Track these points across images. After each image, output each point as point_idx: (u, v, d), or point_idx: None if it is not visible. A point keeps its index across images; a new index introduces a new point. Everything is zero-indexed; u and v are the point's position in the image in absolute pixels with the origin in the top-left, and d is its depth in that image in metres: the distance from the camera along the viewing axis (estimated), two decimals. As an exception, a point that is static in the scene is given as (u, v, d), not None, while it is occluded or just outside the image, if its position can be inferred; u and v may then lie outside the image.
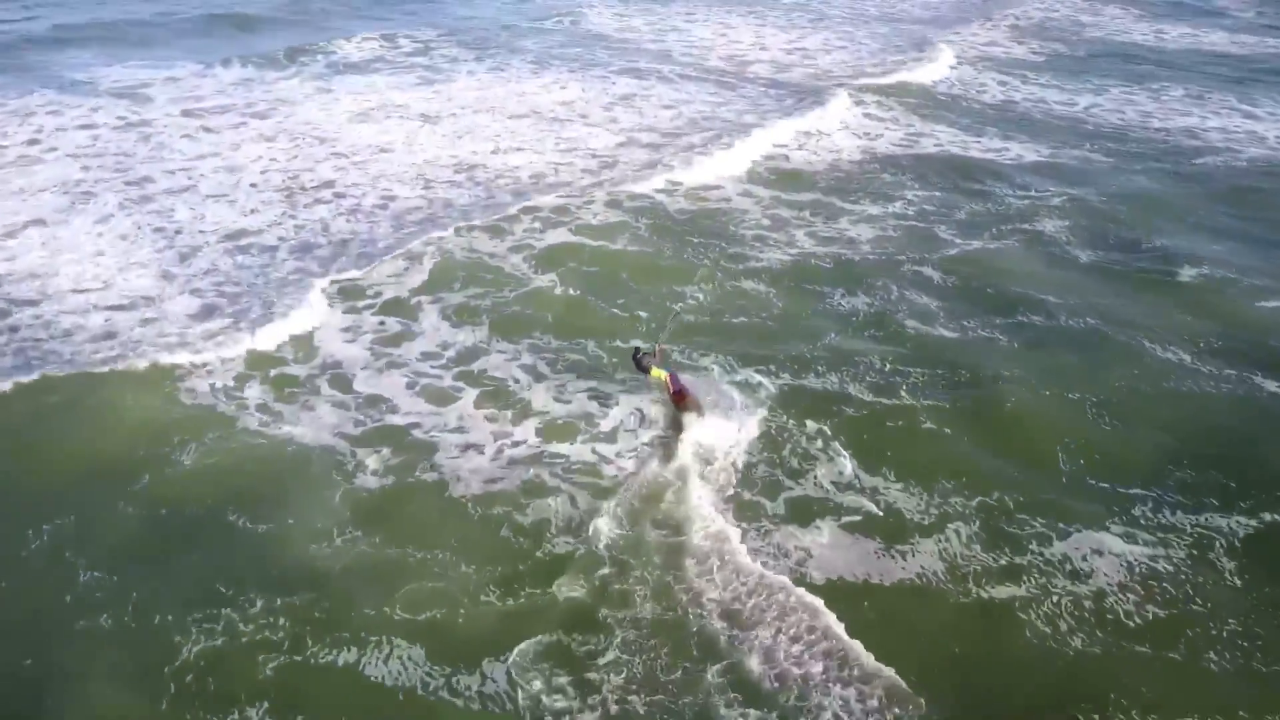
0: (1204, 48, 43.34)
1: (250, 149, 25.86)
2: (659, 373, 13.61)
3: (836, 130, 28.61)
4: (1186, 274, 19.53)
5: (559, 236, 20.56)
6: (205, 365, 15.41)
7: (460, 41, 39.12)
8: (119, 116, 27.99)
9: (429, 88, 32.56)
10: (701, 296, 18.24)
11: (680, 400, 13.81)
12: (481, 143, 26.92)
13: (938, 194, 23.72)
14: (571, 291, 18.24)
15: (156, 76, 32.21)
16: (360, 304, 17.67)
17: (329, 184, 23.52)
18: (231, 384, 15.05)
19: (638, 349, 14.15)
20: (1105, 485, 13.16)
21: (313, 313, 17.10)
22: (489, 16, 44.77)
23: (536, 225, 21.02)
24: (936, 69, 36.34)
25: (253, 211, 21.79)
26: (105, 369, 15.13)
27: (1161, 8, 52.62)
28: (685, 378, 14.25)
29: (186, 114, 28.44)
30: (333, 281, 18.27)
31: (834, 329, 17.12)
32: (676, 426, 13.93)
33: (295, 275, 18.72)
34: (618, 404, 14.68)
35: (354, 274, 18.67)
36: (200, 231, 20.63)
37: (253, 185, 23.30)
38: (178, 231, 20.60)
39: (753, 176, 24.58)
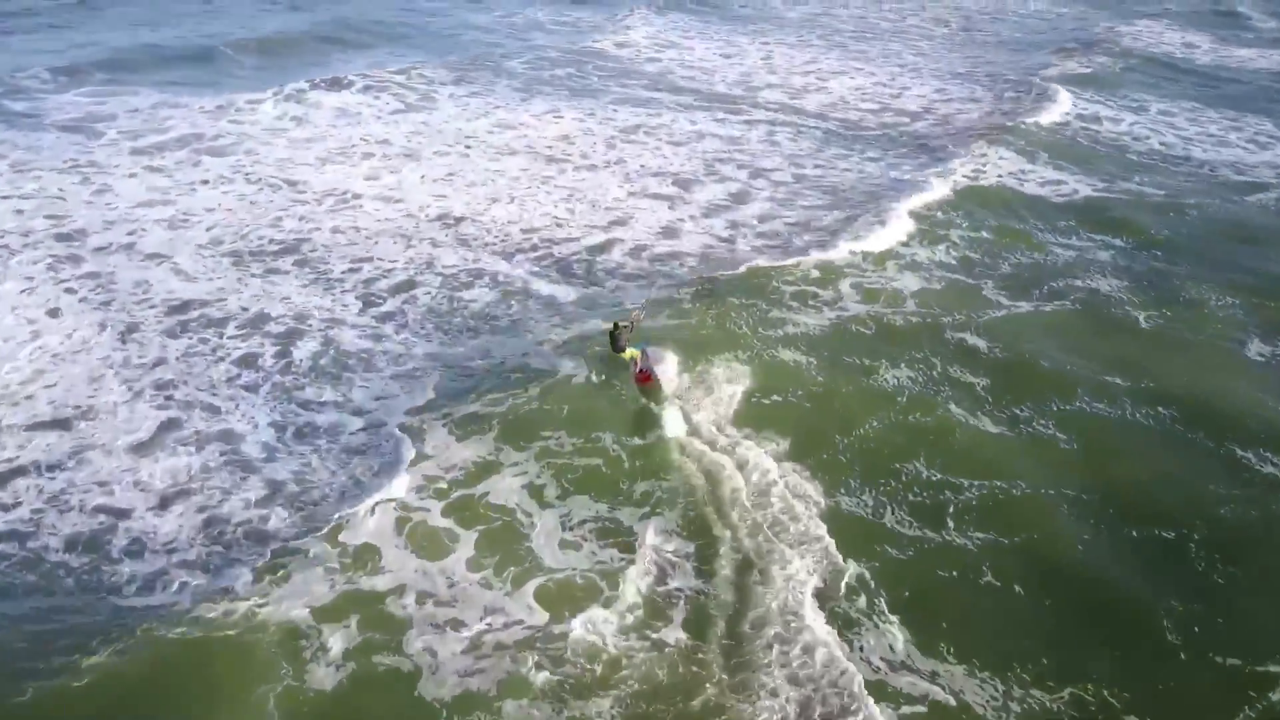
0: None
1: (204, 195, 22.82)
2: (633, 352, 14.27)
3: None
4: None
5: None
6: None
7: (456, 68, 36.10)
8: (66, 159, 24.73)
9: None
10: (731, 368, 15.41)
11: (645, 381, 13.94)
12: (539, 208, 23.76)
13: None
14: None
15: (115, 110, 28.96)
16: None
17: (290, 247, 20.38)
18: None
19: (616, 324, 14.63)
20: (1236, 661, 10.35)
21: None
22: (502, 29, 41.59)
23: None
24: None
25: (205, 278, 18.78)
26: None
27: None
28: (656, 357, 14.49)
29: (137, 153, 25.20)
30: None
31: (874, 416, 14.41)
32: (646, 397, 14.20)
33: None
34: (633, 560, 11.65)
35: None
36: (140, 302, 17.59)
37: (201, 246, 20.22)
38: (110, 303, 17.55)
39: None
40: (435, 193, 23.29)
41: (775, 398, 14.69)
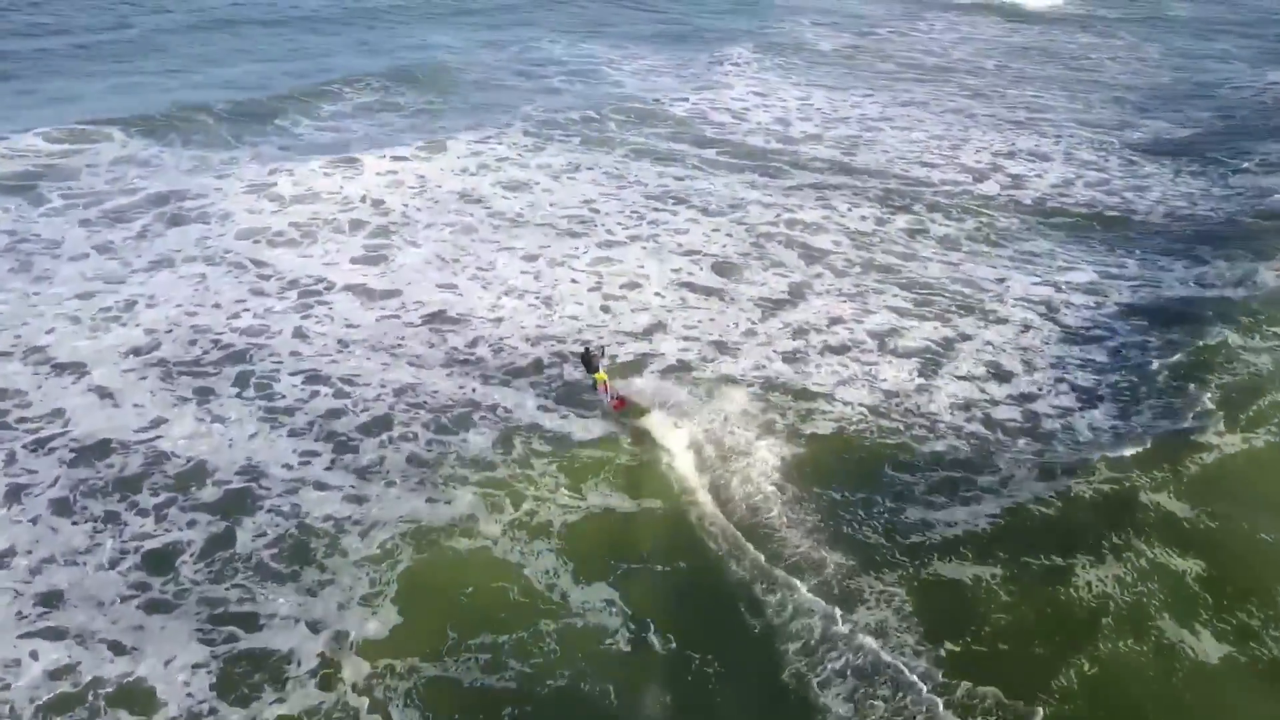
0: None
1: (153, 280, 18.65)
2: (602, 376, 14.37)
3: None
4: None
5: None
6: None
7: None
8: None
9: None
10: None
11: (620, 406, 14.43)
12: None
13: None
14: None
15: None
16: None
17: (236, 354, 16.18)
18: None
19: (587, 347, 14.75)
20: None
21: None
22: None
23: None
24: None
25: (125, 402, 14.63)
26: None
27: None
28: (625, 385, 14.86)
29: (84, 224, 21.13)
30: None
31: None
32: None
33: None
34: None
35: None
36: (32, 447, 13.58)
37: (126, 355, 16.10)
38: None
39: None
40: (431, 279, 19.17)
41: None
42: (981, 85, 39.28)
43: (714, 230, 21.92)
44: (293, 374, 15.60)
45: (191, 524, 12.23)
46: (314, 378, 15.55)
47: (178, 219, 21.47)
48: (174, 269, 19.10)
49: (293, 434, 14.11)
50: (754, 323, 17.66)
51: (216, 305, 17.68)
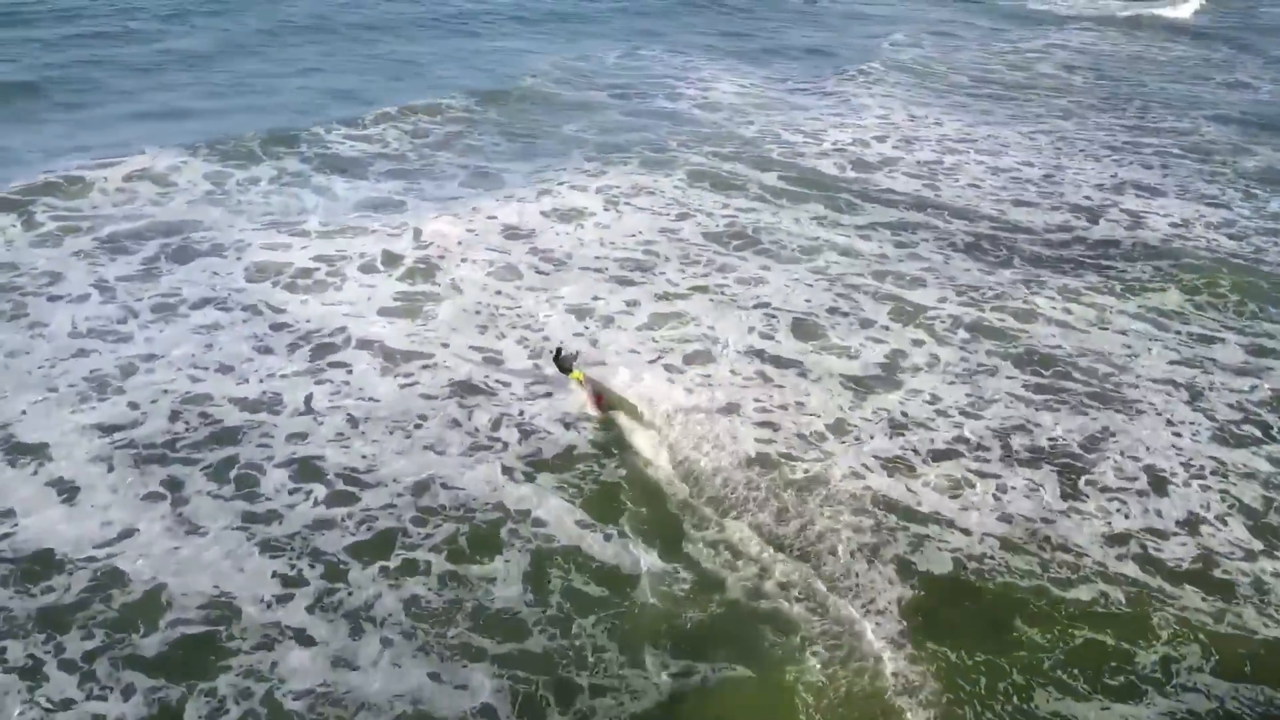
0: None
1: (153, 335, 15.68)
2: (578, 374, 13.64)
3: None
4: None
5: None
6: None
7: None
8: None
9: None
10: None
11: (599, 403, 13.69)
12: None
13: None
14: None
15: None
16: None
17: (222, 435, 13.21)
18: None
19: (560, 348, 13.91)
20: None
21: None
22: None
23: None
24: None
25: (80, 506, 11.58)
26: None
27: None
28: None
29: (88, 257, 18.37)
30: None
31: None
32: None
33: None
34: None
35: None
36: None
37: (95, 434, 13.05)
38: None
39: None
40: (465, 336, 16.02)
41: None
42: (1070, 104, 35.26)
43: (790, 279, 18.32)
44: (286, 464, 12.45)
45: (128, 691, 9.18)
46: (310, 469, 12.39)
47: (189, 253, 18.50)
48: (179, 319, 16.13)
49: (274, 551, 10.95)
50: (844, 409, 14.16)
51: (217, 369, 14.68)
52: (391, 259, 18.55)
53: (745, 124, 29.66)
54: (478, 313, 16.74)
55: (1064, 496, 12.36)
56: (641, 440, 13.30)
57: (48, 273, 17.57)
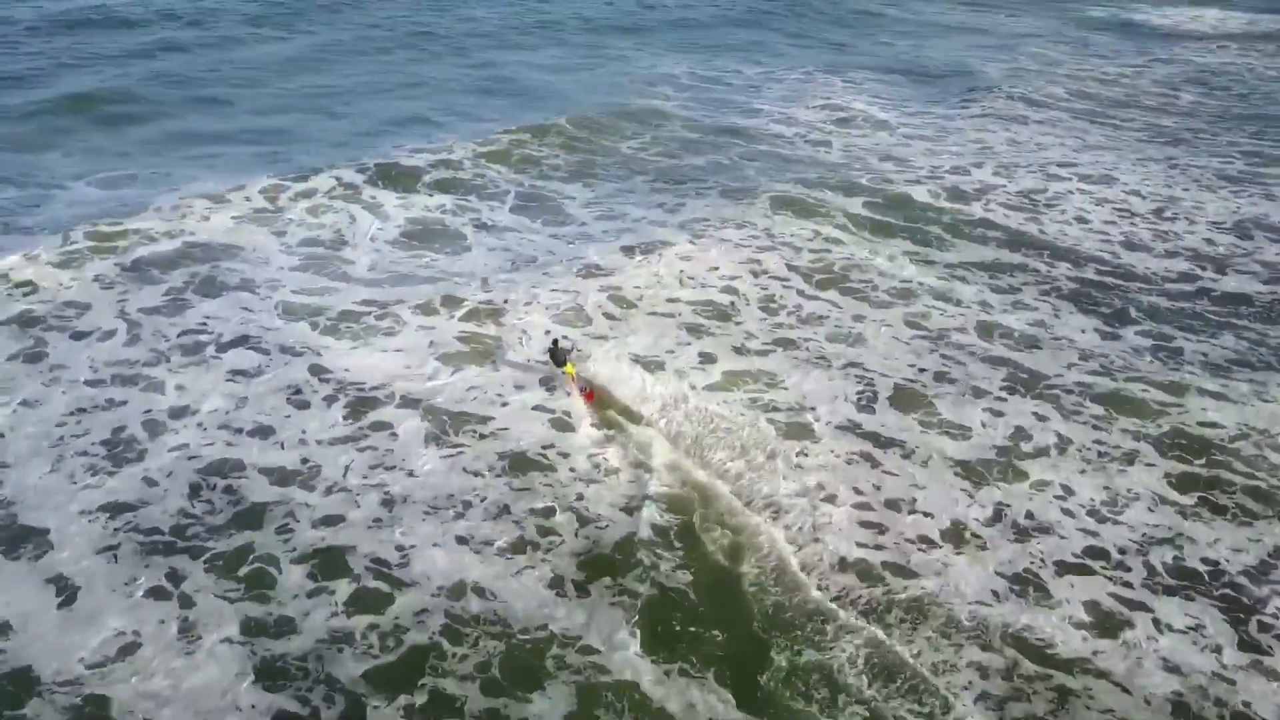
0: None
1: (179, 394, 14.00)
2: (571, 368, 13.44)
3: None
4: None
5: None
6: None
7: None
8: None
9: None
10: None
11: (590, 399, 13.47)
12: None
13: None
14: None
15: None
16: None
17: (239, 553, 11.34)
18: None
19: (556, 341, 13.71)
20: None
21: None
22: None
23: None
24: None
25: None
26: None
27: None
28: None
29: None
30: None
31: None
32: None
33: None
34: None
35: None
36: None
37: (99, 522, 11.33)
38: None
39: None
40: (524, 396, 13.91)
41: None
42: (1178, 124, 31.93)
43: (886, 333, 15.96)
44: (308, 556, 10.58)
45: None
46: (336, 562, 10.52)
47: (221, 285, 16.96)
48: (208, 364, 14.48)
49: (278, 677, 9.06)
50: (959, 506, 11.74)
51: (246, 430, 12.88)
52: (453, 300, 16.71)
53: (830, 145, 27.22)
54: (544, 362, 14.79)
55: (1241, 646, 9.84)
56: (640, 438, 12.97)
57: (73, 304, 16.14)
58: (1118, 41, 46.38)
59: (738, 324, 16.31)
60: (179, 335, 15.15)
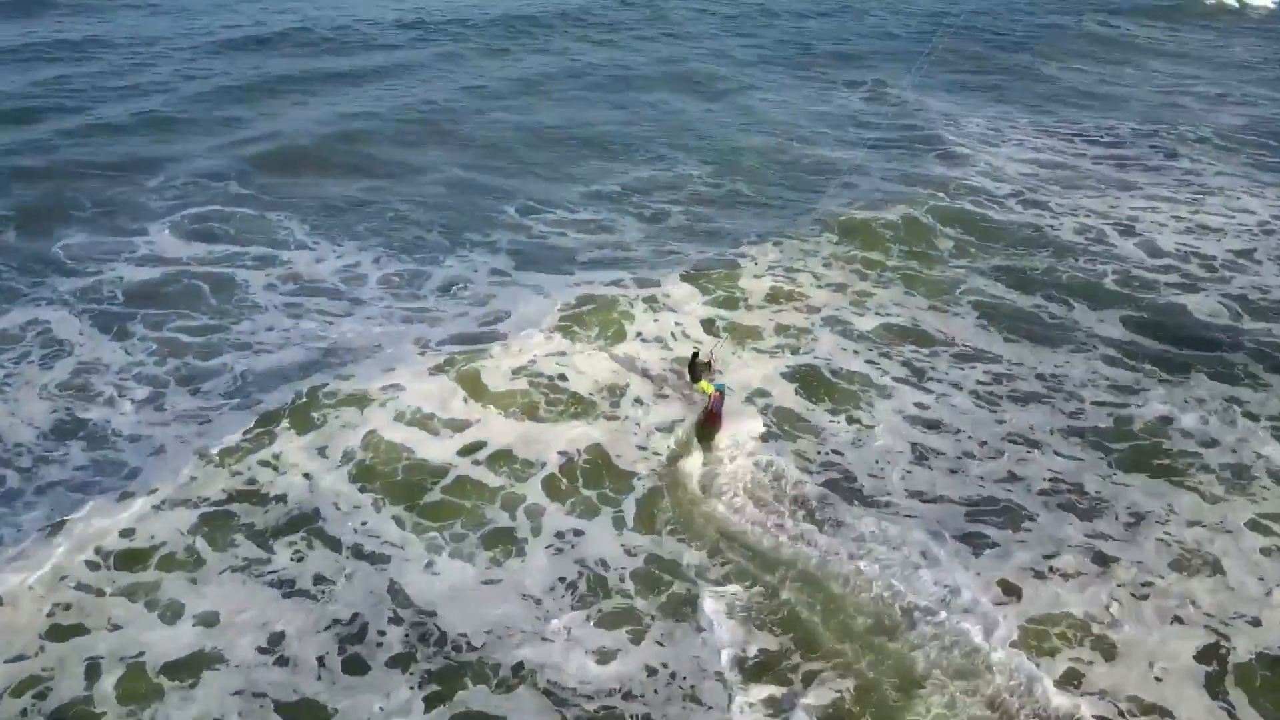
0: None
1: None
2: (707, 387, 12.32)
3: None
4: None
5: None
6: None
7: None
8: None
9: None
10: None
11: (712, 420, 12.25)
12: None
13: None
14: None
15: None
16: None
17: None
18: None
19: (695, 354, 12.68)
20: None
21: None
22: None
23: None
24: None
25: None
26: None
27: None
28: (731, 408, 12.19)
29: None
30: None
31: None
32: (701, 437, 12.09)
33: None
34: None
35: None
36: None
37: None
38: None
39: None
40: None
41: None
42: None
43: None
44: None
45: None
46: None
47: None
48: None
49: None
50: None
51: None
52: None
53: (1045, 211, 20.57)
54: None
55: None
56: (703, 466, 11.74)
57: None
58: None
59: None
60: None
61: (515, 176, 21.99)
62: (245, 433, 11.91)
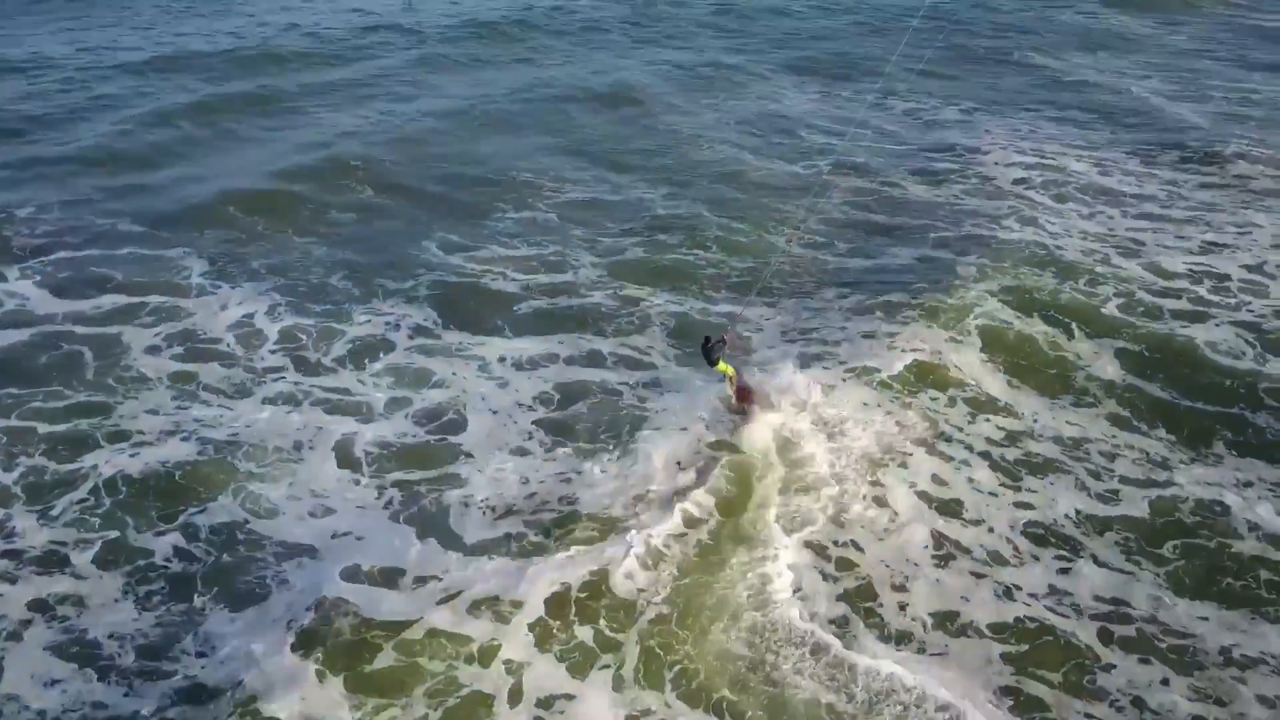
0: None
1: None
2: (725, 367, 11.97)
3: None
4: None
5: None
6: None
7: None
8: None
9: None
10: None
11: (745, 397, 12.11)
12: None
13: None
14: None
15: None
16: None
17: None
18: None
19: (708, 338, 11.90)
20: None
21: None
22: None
23: None
24: None
25: None
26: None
27: None
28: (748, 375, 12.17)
29: None
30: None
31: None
32: (740, 416, 11.94)
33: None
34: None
35: None
36: None
37: None
38: None
39: None
40: None
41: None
42: None
43: None
44: None
45: None
46: None
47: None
48: None
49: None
50: None
51: None
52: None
53: (1092, 275, 16.33)
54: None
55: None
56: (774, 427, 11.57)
57: None
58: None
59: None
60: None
61: (439, 206, 19.28)
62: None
